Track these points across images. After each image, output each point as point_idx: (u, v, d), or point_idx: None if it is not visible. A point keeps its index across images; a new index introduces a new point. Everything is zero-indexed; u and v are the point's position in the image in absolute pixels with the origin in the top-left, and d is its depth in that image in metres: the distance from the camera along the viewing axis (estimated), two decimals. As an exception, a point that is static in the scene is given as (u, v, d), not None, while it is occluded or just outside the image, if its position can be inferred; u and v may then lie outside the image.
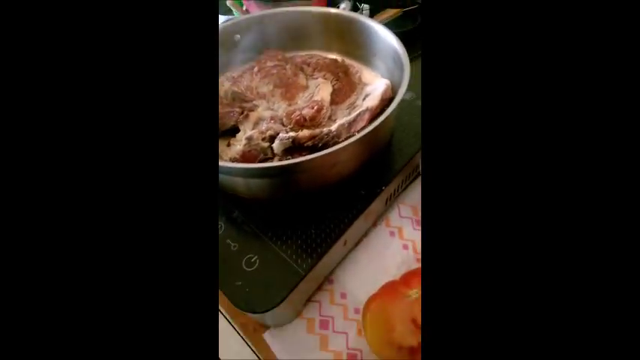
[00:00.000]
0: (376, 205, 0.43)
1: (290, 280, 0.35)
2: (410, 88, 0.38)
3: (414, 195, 0.51)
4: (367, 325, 0.35)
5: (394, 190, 0.46)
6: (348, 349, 0.39)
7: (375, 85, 0.48)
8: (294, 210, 0.41)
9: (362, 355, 0.39)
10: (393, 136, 0.47)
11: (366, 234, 0.47)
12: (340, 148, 0.34)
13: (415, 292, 0.36)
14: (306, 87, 0.51)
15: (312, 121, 0.45)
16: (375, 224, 0.48)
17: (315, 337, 0.40)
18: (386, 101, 0.43)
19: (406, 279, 0.38)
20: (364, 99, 0.47)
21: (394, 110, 0.37)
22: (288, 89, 0.50)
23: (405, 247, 0.46)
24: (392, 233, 0.47)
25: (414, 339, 0.35)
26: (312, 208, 0.40)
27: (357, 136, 0.35)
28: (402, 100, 0.38)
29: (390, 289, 0.37)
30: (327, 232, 0.39)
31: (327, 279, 0.44)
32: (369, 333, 0.35)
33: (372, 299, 0.36)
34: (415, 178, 0.51)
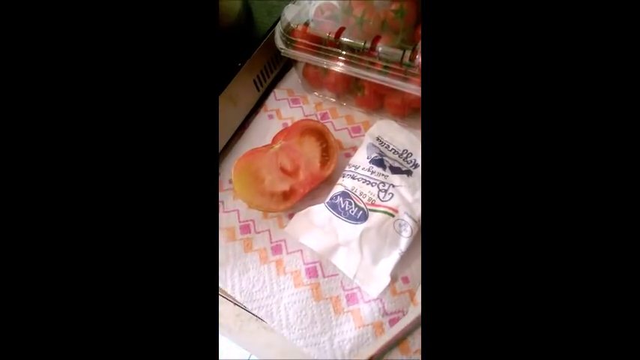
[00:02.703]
0: (242, 87, 0.44)
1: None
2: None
3: (291, 80, 0.52)
4: (236, 182, 0.36)
5: (261, 73, 0.47)
6: (240, 222, 0.40)
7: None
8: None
9: (254, 224, 0.40)
10: (251, 19, 0.47)
11: (247, 124, 0.48)
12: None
13: (278, 144, 0.38)
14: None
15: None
16: (255, 113, 0.49)
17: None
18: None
19: (273, 138, 0.40)
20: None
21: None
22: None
23: (285, 124, 0.47)
24: (270, 116, 0.48)
25: (284, 184, 0.37)
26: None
27: None
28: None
29: (256, 149, 0.38)
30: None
31: (215, 171, 0.44)
32: (239, 188, 0.36)
33: (239, 159, 0.37)
34: (287, 68, 0.52)
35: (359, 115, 0.47)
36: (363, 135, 0.44)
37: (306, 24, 0.42)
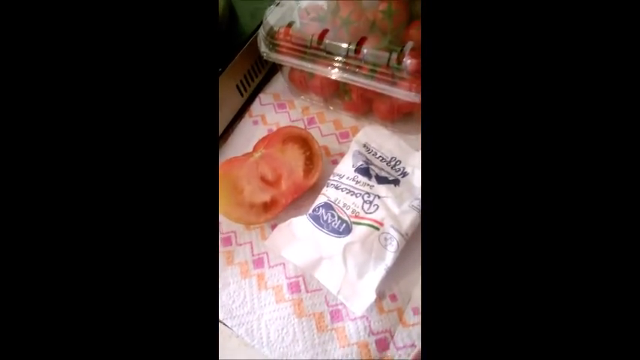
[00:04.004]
0: (225, 91, 0.42)
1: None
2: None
3: (277, 85, 0.50)
4: (214, 192, 0.35)
5: (244, 78, 0.45)
6: (221, 234, 0.38)
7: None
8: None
9: (236, 236, 0.38)
10: (235, 23, 0.45)
11: (232, 130, 0.46)
12: None
13: (259, 153, 0.36)
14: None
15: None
16: (239, 119, 0.47)
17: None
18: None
19: (254, 146, 0.38)
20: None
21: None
22: None
23: (270, 130, 0.45)
24: (255, 122, 0.46)
25: (265, 195, 0.35)
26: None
27: None
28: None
29: (235, 158, 0.37)
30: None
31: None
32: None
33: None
34: (274, 72, 0.51)
35: (347, 120, 0.45)
36: (352, 141, 0.42)
37: (289, 25, 0.41)
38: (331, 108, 0.46)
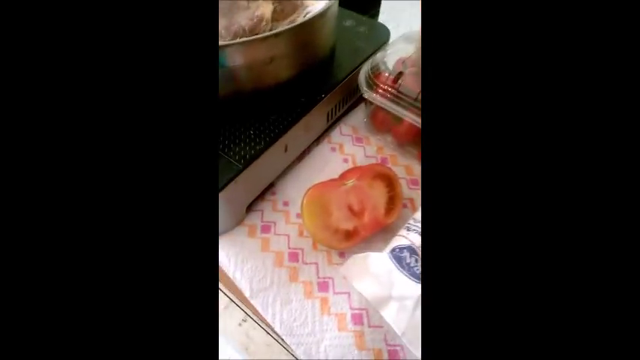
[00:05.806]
0: (316, 117, 0.45)
1: (226, 173, 0.35)
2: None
3: (355, 118, 0.53)
4: (305, 210, 0.36)
5: (335, 107, 0.47)
6: (289, 248, 0.40)
7: (317, 5, 0.49)
8: (233, 110, 0.40)
9: (303, 254, 0.40)
10: (334, 54, 0.48)
11: (309, 151, 0.48)
12: (272, 35, 0.34)
13: (351, 182, 0.38)
14: (247, 8, 0.51)
15: (251, 33, 0.45)
16: (318, 142, 0.49)
17: (257, 240, 0.40)
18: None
19: (343, 175, 0.40)
20: (305, 16, 0.48)
21: (327, 10, 0.39)
22: (230, 9, 0.49)
23: (345, 160, 0.47)
24: (333, 149, 0.48)
25: (349, 224, 0.37)
26: (251, 109, 0.40)
27: (289, 25, 0.36)
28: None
29: (328, 182, 0.38)
30: (267, 132, 0.39)
31: (270, 190, 0.44)
32: (307, 218, 0.36)
33: (310, 189, 0.37)
34: (355, 104, 0.54)
35: (418, 169, 0.48)
36: (419, 189, 0.45)
37: (398, 75, 0.44)
38: (405, 154, 0.49)
